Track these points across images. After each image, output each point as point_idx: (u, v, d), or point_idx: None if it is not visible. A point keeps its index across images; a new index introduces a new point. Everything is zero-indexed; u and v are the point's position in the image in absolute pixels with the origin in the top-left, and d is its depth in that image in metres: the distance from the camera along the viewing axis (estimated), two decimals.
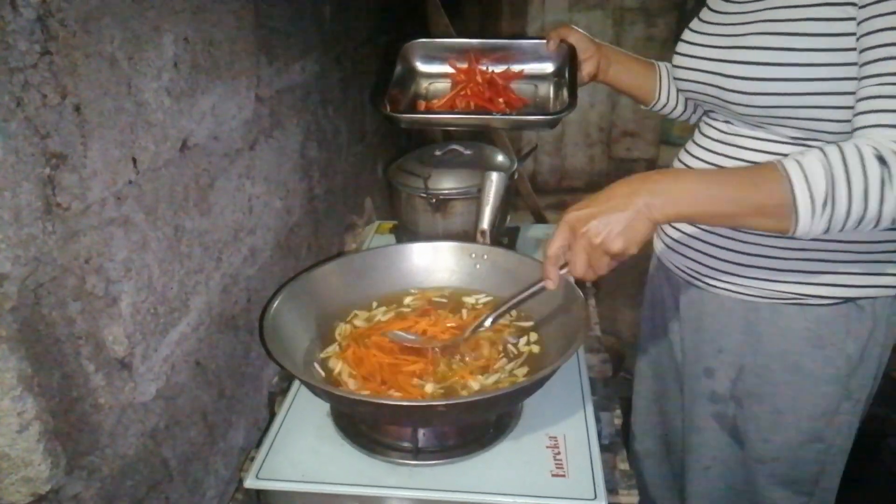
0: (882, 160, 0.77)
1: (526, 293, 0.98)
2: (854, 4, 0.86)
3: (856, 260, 1.00)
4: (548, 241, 0.90)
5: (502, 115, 1.24)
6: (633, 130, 4.32)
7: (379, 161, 2.05)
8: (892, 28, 0.81)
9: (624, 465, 1.07)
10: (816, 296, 1.02)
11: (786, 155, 0.84)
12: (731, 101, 1.00)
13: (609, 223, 0.82)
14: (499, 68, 1.35)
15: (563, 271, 0.90)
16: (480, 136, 2.62)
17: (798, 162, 0.79)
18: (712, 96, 1.05)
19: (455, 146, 1.48)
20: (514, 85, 1.34)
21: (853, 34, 0.87)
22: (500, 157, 1.50)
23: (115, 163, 0.76)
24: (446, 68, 1.37)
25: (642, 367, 1.43)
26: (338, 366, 1.03)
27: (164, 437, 0.90)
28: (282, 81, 1.25)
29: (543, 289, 0.94)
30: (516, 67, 1.35)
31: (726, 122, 1.07)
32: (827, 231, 0.80)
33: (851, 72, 0.88)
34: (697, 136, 1.15)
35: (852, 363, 1.05)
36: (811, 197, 0.78)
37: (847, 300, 1.02)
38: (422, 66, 1.38)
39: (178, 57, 0.87)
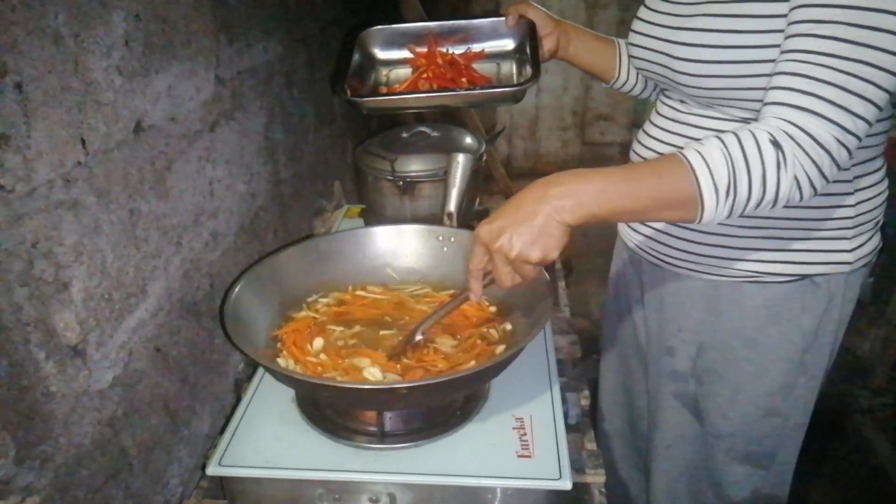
0: (777, 144, 0.79)
1: (450, 305, 1.00)
2: None
3: (811, 237, 1.01)
4: (467, 255, 0.91)
5: (465, 90, 1.22)
6: (606, 114, 4.33)
7: (348, 144, 2.02)
8: (817, 5, 0.80)
9: (591, 446, 1.07)
10: (774, 273, 1.04)
11: None
12: (680, 82, 1.00)
13: (521, 235, 0.82)
14: (459, 49, 1.33)
15: (487, 280, 0.91)
16: (450, 117, 2.61)
17: (699, 152, 0.80)
18: (662, 76, 1.05)
19: (423, 128, 1.46)
20: (476, 65, 1.32)
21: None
22: (468, 139, 1.49)
23: (63, 144, 0.73)
24: (405, 54, 1.34)
25: (608, 349, 1.44)
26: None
27: (122, 426, 0.88)
28: (243, 62, 1.22)
29: (468, 298, 0.95)
30: (477, 47, 1.33)
31: (681, 101, 1.07)
32: (730, 215, 0.82)
33: None
34: (654, 116, 1.15)
35: (808, 339, 1.07)
36: (715, 186, 0.79)
37: (803, 277, 1.03)
38: (381, 54, 1.35)
39: (129, 35, 0.84)
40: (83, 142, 0.77)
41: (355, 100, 1.20)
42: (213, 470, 0.91)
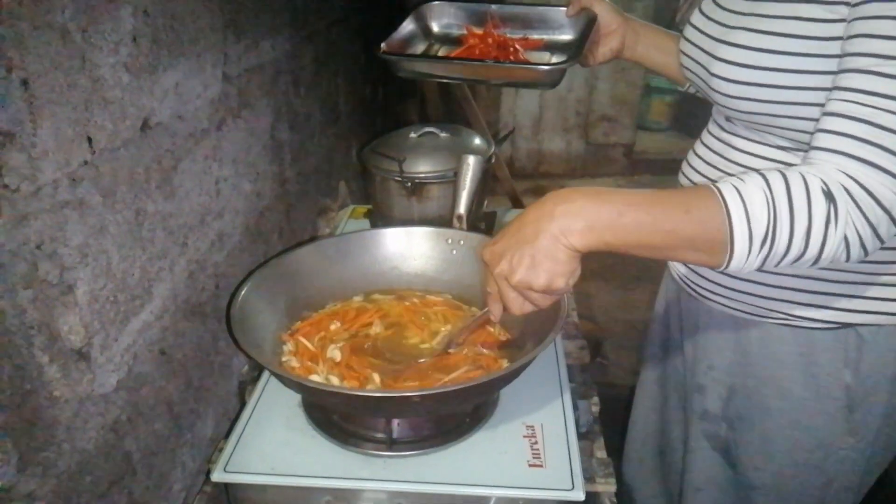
0: (829, 196, 0.69)
1: (475, 322, 1.00)
2: (847, 3, 0.74)
3: (856, 281, 0.90)
4: (482, 276, 0.85)
5: (493, 62, 1.17)
6: (610, 115, 4.31)
7: (354, 144, 2.00)
8: (877, 35, 0.70)
9: (601, 454, 1.06)
10: (808, 318, 0.94)
11: (780, 163, 0.76)
12: (716, 100, 0.92)
13: (522, 258, 0.74)
14: (517, 35, 1.27)
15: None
16: (457, 119, 2.59)
17: (738, 190, 0.71)
18: (703, 90, 0.97)
19: (431, 128, 1.44)
20: (530, 54, 1.26)
21: (842, 38, 0.76)
22: (477, 141, 1.47)
23: (69, 142, 0.71)
24: (462, 32, 1.30)
25: (647, 376, 1.35)
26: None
27: (126, 430, 0.86)
28: (250, 60, 1.20)
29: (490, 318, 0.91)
30: (536, 35, 1.27)
31: (727, 119, 0.97)
32: (761, 267, 0.73)
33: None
34: (704, 134, 1.06)
35: (853, 396, 0.96)
36: (750, 234, 0.70)
37: (845, 325, 0.93)
38: (437, 28, 1.31)
39: (137, 31, 0.82)
40: (89, 140, 0.75)
41: (387, 57, 1.16)
42: (218, 476, 0.89)
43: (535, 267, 0.73)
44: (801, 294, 0.93)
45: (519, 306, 0.79)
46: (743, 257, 0.71)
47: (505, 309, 0.83)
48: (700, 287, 1.04)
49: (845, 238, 0.70)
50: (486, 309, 0.90)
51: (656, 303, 1.30)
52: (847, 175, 0.70)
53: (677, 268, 1.10)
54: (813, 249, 0.70)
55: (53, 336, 0.71)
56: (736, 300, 0.99)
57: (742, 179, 0.72)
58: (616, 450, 1.36)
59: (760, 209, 0.69)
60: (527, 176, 4.28)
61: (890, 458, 1.06)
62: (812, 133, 0.77)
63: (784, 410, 1.01)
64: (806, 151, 0.77)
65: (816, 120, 0.78)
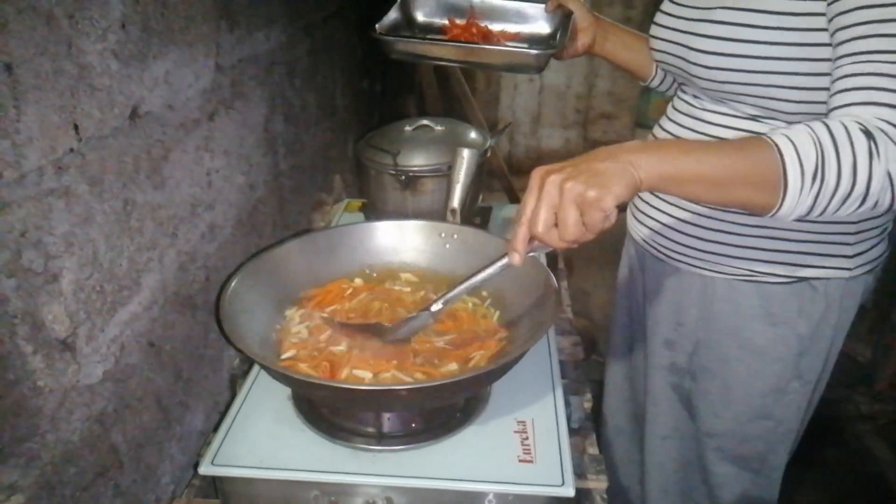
0: (868, 134, 0.74)
1: (488, 272, 0.84)
2: None
3: (809, 240, 1.00)
4: (516, 213, 0.77)
5: (489, 45, 1.25)
6: (609, 113, 4.30)
7: (349, 137, 1.99)
8: (866, 6, 0.78)
9: (593, 450, 1.05)
10: (770, 273, 1.04)
11: (747, 132, 0.84)
12: (694, 73, 1.00)
13: (583, 171, 0.72)
14: (496, 28, 1.36)
15: (533, 246, 0.77)
16: (453, 112, 2.58)
17: (785, 135, 0.76)
18: (679, 68, 1.05)
19: (426, 121, 1.43)
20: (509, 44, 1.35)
21: (816, 14, 0.85)
22: (472, 134, 1.46)
23: (55, 129, 0.70)
24: (444, 23, 1.37)
25: (615, 342, 1.44)
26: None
27: (113, 422, 0.85)
28: (244, 50, 1.19)
29: (506, 266, 0.82)
30: (513, 28, 1.36)
31: (695, 96, 1.07)
32: (811, 209, 0.76)
33: (806, 52, 0.88)
34: (670, 111, 1.15)
35: (804, 343, 1.07)
36: (801, 168, 0.74)
37: (800, 279, 1.03)
38: (421, 18, 1.38)
39: (126, 17, 0.81)
40: (76, 128, 0.74)
41: (384, 37, 1.22)
42: (205, 469, 0.88)
43: (594, 177, 0.72)
44: (762, 252, 1.03)
45: (576, 229, 0.72)
46: (796, 192, 0.74)
47: (533, 235, 0.76)
48: (669, 249, 1.13)
49: (888, 174, 0.74)
50: (502, 257, 0.82)
51: (618, 275, 1.39)
52: (880, 118, 0.75)
53: (643, 233, 1.17)
54: (861, 184, 0.74)
55: (37, 325, 0.70)
56: (703, 259, 1.08)
57: (787, 128, 0.77)
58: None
59: (808, 146, 0.74)
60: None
61: (818, 399, 1.18)
62: (779, 100, 0.91)
63: (743, 360, 1.10)
64: (775, 119, 0.93)
65: (788, 88, 0.90)
